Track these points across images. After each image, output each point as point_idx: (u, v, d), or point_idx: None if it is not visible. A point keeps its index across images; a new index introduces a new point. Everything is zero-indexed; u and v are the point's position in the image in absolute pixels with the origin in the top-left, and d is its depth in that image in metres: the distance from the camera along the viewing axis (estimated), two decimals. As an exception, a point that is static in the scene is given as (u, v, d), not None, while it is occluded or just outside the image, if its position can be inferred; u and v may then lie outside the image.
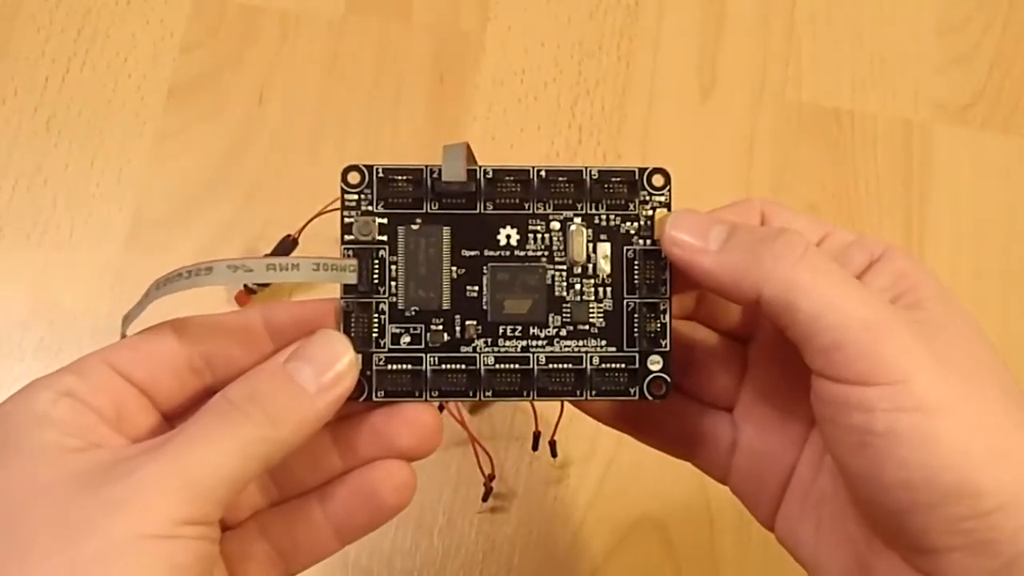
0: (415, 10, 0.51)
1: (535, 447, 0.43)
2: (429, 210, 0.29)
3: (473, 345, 0.29)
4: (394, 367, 0.29)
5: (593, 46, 0.52)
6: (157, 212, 0.47)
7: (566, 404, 0.39)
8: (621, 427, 0.33)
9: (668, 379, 0.29)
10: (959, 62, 0.53)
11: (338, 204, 0.43)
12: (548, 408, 0.42)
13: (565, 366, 0.29)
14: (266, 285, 0.45)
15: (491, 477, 0.43)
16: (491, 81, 0.51)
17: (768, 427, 0.31)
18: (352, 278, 0.29)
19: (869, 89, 0.52)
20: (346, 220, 0.29)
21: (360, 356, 0.29)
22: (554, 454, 0.43)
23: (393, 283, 0.29)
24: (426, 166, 0.29)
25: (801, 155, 0.51)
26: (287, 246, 0.45)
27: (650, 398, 0.29)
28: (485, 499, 0.44)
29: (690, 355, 0.32)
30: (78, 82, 0.49)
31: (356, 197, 0.29)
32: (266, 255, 0.45)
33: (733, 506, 0.33)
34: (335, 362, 0.27)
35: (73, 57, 0.49)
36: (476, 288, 0.29)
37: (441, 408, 0.39)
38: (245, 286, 0.45)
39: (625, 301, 0.29)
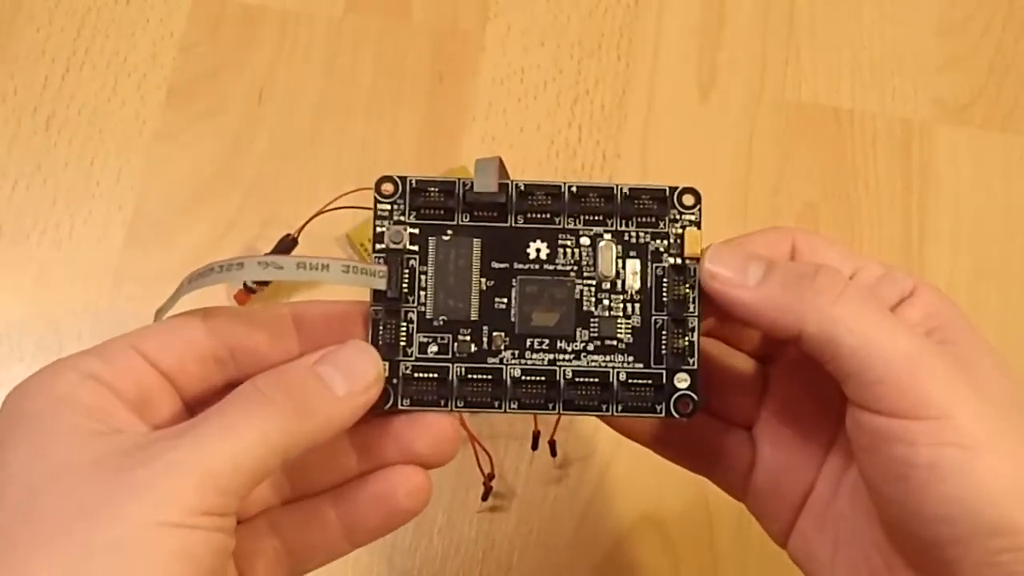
0: (415, 9, 0.51)
1: (535, 446, 0.43)
2: (460, 222, 0.30)
3: (500, 356, 0.29)
4: (420, 376, 0.29)
5: (593, 45, 0.52)
6: (156, 211, 0.47)
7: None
8: (639, 439, 0.33)
9: (695, 397, 0.29)
10: (959, 62, 0.53)
11: (337, 203, 0.44)
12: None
13: (591, 380, 0.29)
14: (265, 284, 0.45)
15: (491, 476, 0.43)
16: (491, 80, 0.51)
17: (787, 446, 0.31)
18: (381, 284, 0.29)
19: (869, 89, 0.52)
20: (378, 229, 0.29)
21: (387, 365, 0.29)
22: (554, 453, 0.43)
23: (422, 292, 0.29)
24: (459, 179, 0.30)
25: (801, 155, 0.51)
26: (287, 245, 0.45)
27: (676, 416, 0.29)
28: (485, 498, 0.44)
29: (711, 372, 0.32)
30: (78, 81, 0.49)
31: (389, 207, 0.30)
32: (266, 255, 0.45)
33: (732, 506, 0.33)
34: (363, 374, 0.27)
35: (73, 56, 0.49)
36: (505, 300, 0.29)
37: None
38: (245, 284, 0.45)
39: (653, 318, 0.29)
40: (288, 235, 0.46)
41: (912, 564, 0.27)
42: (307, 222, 0.45)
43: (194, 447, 0.24)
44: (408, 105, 0.50)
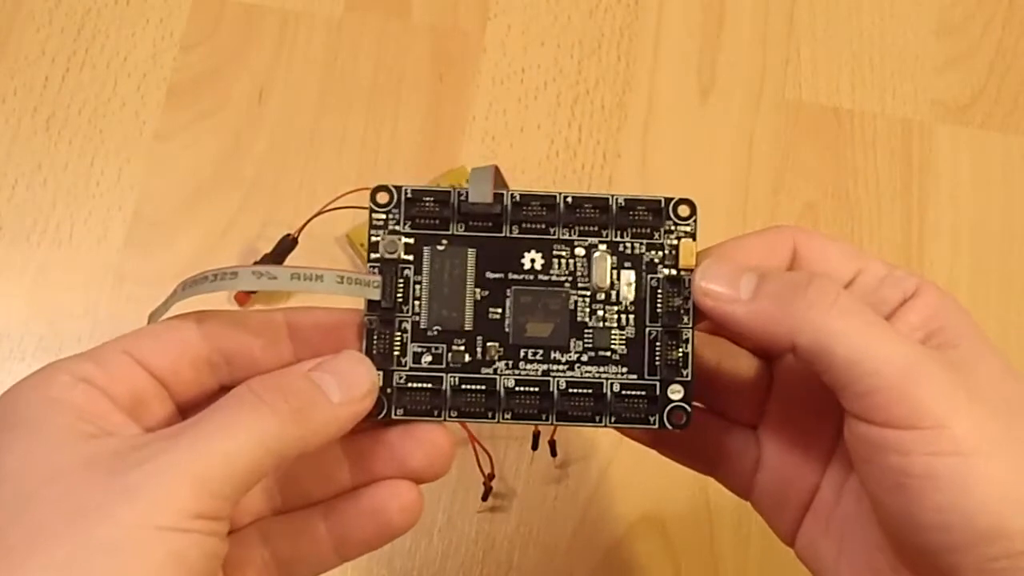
0: (415, 9, 0.51)
1: (535, 446, 0.43)
2: (455, 232, 0.30)
3: (494, 367, 0.29)
4: (414, 386, 0.29)
5: (593, 45, 0.52)
6: (156, 211, 0.47)
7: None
8: (643, 440, 0.33)
9: (689, 409, 0.29)
10: (959, 62, 0.53)
11: (337, 203, 0.44)
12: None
13: (585, 391, 0.29)
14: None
15: (491, 476, 0.43)
16: (491, 80, 0.51)
17: (792, 446, 0.31)
18: (376, 294, 0.29)
19: (869, 89, 0.52)
20: (373, 239, 0.29)
21: (381, 375, 0.29)
22: (554, 453, 0.43)
23: (417, 302, 0.29)
24: (454, 188, 0.30)
25: (801, 155, 0.51)
26: (287, 245, 0.45)
27: (670, 427, 0.29)
28: (485, 498, 0.44)
29: (716, 371, 0.31)
30: (78, 81, 0.49)
31: (384, 217, 0.30)
32: (264, 257, 0.45)
33: (732, 505, 0.33)
34: (358, 383, 0.27)
35: (73, 56, 0.49)
36: (499, 310, 0.29)
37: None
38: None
39: (647, 329, 0.29)
40: (288, 235, 0.45)
41: (914, 569, 0.27)
42: (307, 222, 0.44)
43: (188, 449, 0.24)
44: (408, 105, 0.50)
